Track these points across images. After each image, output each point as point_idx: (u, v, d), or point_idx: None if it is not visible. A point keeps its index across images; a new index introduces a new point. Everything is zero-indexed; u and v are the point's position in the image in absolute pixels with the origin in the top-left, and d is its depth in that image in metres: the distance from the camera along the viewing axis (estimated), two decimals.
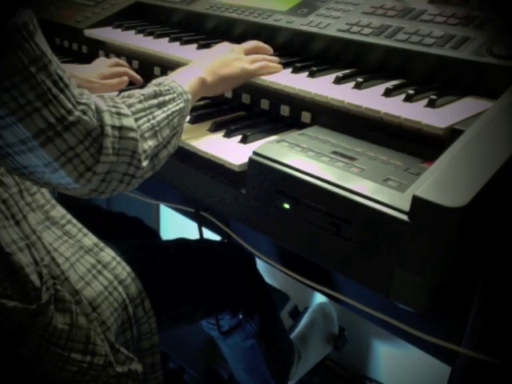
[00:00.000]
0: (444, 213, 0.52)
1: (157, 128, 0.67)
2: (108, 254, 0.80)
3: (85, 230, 0.82)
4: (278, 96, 0.89)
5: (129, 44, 1.15)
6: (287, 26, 1.03)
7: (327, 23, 0.98)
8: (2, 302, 0.62)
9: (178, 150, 0.80)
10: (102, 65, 1.09)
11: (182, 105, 0.72)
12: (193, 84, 0.78)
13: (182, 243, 1.04)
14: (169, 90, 0.71)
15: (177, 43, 1.11)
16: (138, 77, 1.09)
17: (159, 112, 0.68)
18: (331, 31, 0.96)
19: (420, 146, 0.71)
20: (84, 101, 0.59)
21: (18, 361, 0.64)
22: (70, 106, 0.57)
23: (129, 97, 0.67)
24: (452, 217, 0.52)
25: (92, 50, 1.25)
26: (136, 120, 0.64)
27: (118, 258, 0.81)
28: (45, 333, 0.65)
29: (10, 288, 0.64)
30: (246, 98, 0.95)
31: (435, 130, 0.68)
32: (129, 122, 0.63)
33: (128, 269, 0.81)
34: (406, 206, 0.55)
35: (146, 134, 0.65)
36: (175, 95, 0.71)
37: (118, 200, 1.87)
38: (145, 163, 0.65)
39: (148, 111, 0.66)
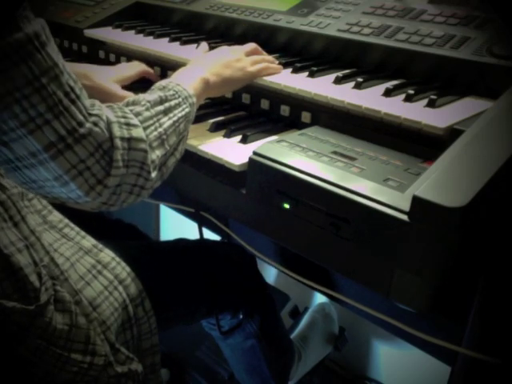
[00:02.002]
0: (444, 213, 0.52)
1: (164, 136, 0.66)
2: (107, 254, 0.81)
3: (82, 233, 0.82)
4: (278, 96, 0.89)
5: (129, 44, 1.15)
6: (287, 26, 1.03)
7: (327, 23, 0.98)
8: (0, 302, 0.62)
9: None
10: (124, 68, 1.04)
11: (187, 110, 0.71)
12: (197, 86, 0.77)
13: (181, 243, 1.04)
14: (174, 94, 0.70)
15: (177, 43, 1.11)
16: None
17: (166, 119, 0.67)
18: (331, 31, 0.96)
19: (420, 146, 0.71)
20: (95, 112, 0.57)
21: (18, 361, 0.64)
22: (81, 117, 0.56)
23: (134, 104, 0.66)
24: (452, 217, 0.52)
25: (92, 50, 1.25)
26: (144, 129, 0.63)
27: (118, 259, 0.81)
28: (44, 333, 0.65)
29: (9, 288, 0.64)
30: (245, 98, 0.95)
31: (435, 129, 0.68)
32: (138, 132, 0.61)
33: (128, 269, 0.81)
34: (406, 206, 0.55)
35: (154, 144, 0.64)
36: (180, 100, 0.71)
37: None
38: (154, 174, 0.64)
39: (155, 119, 0.65)
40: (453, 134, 0.66)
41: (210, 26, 1.19)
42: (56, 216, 0.81)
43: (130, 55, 1.15)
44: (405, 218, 0.55)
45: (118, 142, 0.59)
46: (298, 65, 0.91)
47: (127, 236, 1.16)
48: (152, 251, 0.98)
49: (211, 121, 0.88)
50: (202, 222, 1.20)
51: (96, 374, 0.69)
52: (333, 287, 1.14)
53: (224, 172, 0.75)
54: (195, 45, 1.08)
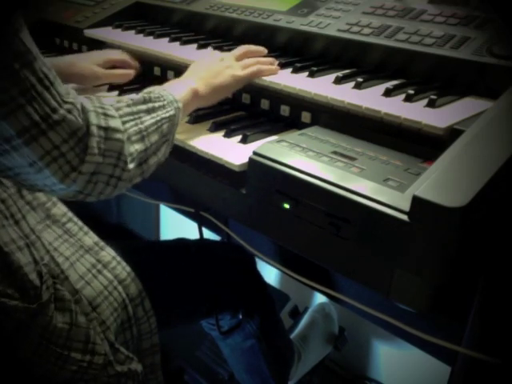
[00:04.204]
0: (444, 213, 0.52)
1: (144, 133, 0.66)
2: (108, 253, 0.80)
3: (85, 229, 0.82)
4: (278, 96, 0.89)
5: (129, 44, 1.15)
6: (287, 26, 1.03)
7: (327, 23, 0.98)
8: (2, 300, 0.62)
9: (178, 150, 0.80)
10: (109, 51, 1.10)
11: (172, 112, 0.71)
12: (184, 94, 0.78)
13: (181, 243, 1.04)
14: (159, 97, 0.71)
15: (177, 43, 1.11)
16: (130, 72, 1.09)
17: (148, 117, 0.68)
18: (331, 31, 0.96)
19: (420, 146, 0.71)
20: (70, 100, 0.58)
21: (18, 360, 0.64)
22: (54, 104, 0.56)
23: (117, 102, 0.67)
24: (452, 217, 0.52)
25: (92, 50, 1.25)
26: (123, 123, 0.64)
27: (118, 258, 0.81)
28: (45, 332, 0.65)
29: (11, 287, 0.64)
30: (246, 98, 0.95)
31: (435, 129, 0.68)
32: (115, 123, 0.62)
33: (128, 268, 0.81)
34: (406, 206, 0.55)
35: (133, 138, 0.64)
36: (165, 102, 0.71)
37: (119, 200, 1.87)
38: (131, 165, 0.64)
39: (136, 115, 0.66)
40: (453, 134, 0.66)
41: (210, 26, 1.19)
42: (60, 209, 0.81)
43: (130, 55, 1.15)
44: (405, 217, 0.55)
45: (94, 130, 0.59)
46: (298, 65, 0.91)
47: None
48: (152, 251, 0.98)
49: (211, 121, 0.88)
50: (201, 222, 1.20)
51: (96, 373, 0.69)
52: (333, 287, 1.14)
53: (224, 172, 0.75)
54: (195, 45, 1.08)
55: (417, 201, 0.53)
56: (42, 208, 0.78)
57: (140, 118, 0.67)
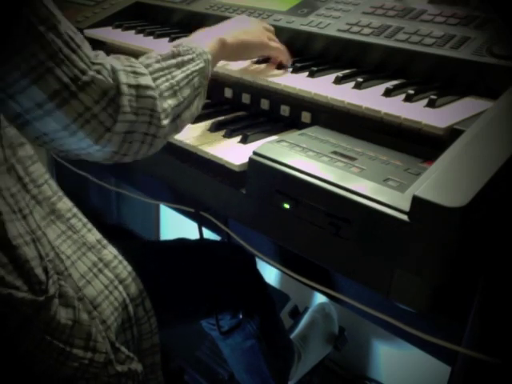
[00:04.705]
0: (444, 213, 0.52)
1: (176, 87, 0.66)
2: (110, 252, 0.80)
3: (89, 225, 0.81)
4: (278, 96, 0.89)
5: (129, 44, 1.15)
6: (287, 26, 1.03)
7: (327, 23, 0.98)
8: (10, 292, 0.62)
9: (178, 150, 0.80)
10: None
11: (201, 65, 0.71)
12: (213, 45, 0.77)
13: (181, 243, 1.04)
14: (187, 50, 0.70)
15: None
16: None
17: (178, 72, 0.67)
18: (331, 31, 0.96)
19: (420, 146, 0.71)
20: (99, 61, 0.58)
21: (20, 355, 0.64)
22: (83, 65, 0.56)
23: (146, 58, 0.67)
24: (452, 217, 0.52)
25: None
26: (154, 79, 0.64)
27: (120, 257, 0.81)
28: (48, 327, 0.65)
29: (19, 279, 0.64)
30: (246, 98, 0.95)
31: (435, 129, 0.68)
32: (146, 80, 0.62)
33: (129, 268, 0.81)
34: (406, 206, 0.55)
35: (166, 93, 0.64)
36: (194, 55, 0.71)
37: (118, 200, 1.87)
38: (165, 121, 0.64)
39: (166, 71, 0.66)
40: (453, 134, 0.66)
41: (210, 26, 1.19)
42: (65, 203, 0.80)
43: (130, 55, 1.15)
44: (405, 217, 0.55)
45: (125, 88, 0.59)
46: (298, 65, 0.91)
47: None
48: (152, 251, 0.98)
49: (211, 121, 0.88)
50: (201, 222, 1.20)
51: (96, 371, 0.69)
52: (333, 287, 1.14)
53: (224, 172, 0.75)
54: None
55: (417, 201, 0.53)
56: (47, 202, 0.77)
57: (171, 72, 0.66)
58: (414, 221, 0.54)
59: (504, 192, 0.58)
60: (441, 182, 0.55)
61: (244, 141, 0.80)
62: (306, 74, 0.90)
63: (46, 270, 0.66)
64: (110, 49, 1.21)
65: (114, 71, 0.60)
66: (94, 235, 0.80)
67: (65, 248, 0.75)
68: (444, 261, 0.55)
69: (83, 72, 0.56)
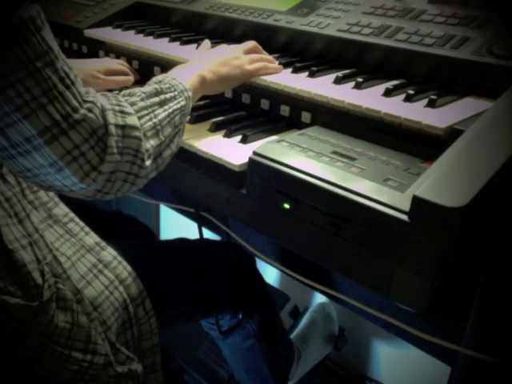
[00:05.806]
0: (444, 213, 0.52)
1: (158, 127, 0.66)
2: (109, 253, 0.80)
3: (87, 229, 0.82)
4: (278, 96, 0.89)
5: (129, 44, 1.15)
6: (287, 26, 1.03)
7: (327, 23, 0.98)
8: (4, 298, 0.62)
9: (178, 149, 0.80)
10: (109, 61, 1.10)
11: (183, 103, 0.71)
12: (193, 82, 0.78)
13: (181, 243, 1.04)
14: (169, 87, 0.71)
15: (177, 43, 1.11)
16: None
17: (161, 110, 0.67)
18: (331, 31, 0.96)
19: (420, 146, 0.71)
20: (90, 99, 0.58)
21: (19, 359, 0.64)
22: (75, 103, 0.56)
23: (130, 95, 0.67)
24: (452, 217, 0.52)
25: (92, 50, 1.25)
26: (139, 118, 0.64)
27: (120, 258, 0.81)
28: (46, 331, 0.65)
29: (13, 285, 0.64)
30: (246, 98, 0.95)
31: (435, 130, 0.68)
32: (132, 120, 0.62)
33: (129, 268, 0.81)
34: (406, 206, 0.55)
35: (149, 133, 0.64)
36: (176, 93, 0.71)
37: (118, 200, 1.87)
38: (148, 162, 0.64)
39: (150, 109, 0.66)
40: (453, 134, 0.66)
41: (210, 26, 1.19)
42: (62, 209, 0.81)
43: (130, 55, 1.15)
44: (405, 217, 0.55)
45: (113, 129, 0.59)
46: (298, 65, 0.91)
47: (127, 228, 1.16)
48: (152, 251, 0.98)
49: (211, 121, 0.88)
50: (201, 222, 1.20)
51: (96, 373, 0.69)
52: (333, 287, 1.14)
53: (224, 172, 0.75)
54: (195, 45, 1.08)
55: (417, 201, 0.53)
56: (43, 208, 0.78)
57: (154, 111, 0.66)
58: (414, 221, 0.54)
59: (504, 192, 0.58)
60: (441, 182, 0.55)
61: (244, 141, 0.80)
62: (306, 74, 0.90)
63: (42, 274, 0.66)
64: (110, 49, 1.21)
65: (103, 110, 0.59)
66: (92, 238, 0.81)
67: (65, 249, 0.75)
68: (444, 261, 0.55)
69: (75, 110, 0.56)
